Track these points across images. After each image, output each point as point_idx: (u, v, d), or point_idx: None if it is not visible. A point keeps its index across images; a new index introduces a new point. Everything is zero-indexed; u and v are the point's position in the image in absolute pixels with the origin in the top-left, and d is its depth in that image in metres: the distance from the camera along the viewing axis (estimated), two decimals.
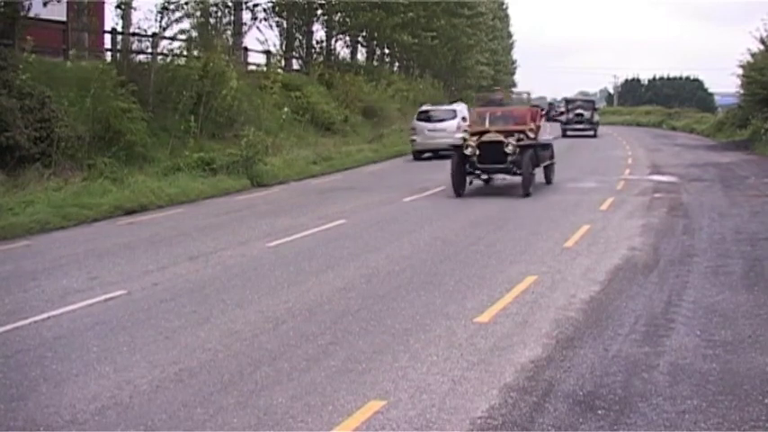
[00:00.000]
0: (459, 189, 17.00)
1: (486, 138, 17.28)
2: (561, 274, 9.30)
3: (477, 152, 16.93)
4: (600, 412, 5.29)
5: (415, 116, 29.37)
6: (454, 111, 28.90)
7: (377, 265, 9.92)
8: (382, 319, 7.48)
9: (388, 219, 13.95)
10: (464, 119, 27.07)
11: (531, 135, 17.73)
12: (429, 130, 27.85)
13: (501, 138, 17.11)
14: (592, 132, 41.65)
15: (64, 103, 16.63)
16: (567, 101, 47.44)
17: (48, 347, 6.79)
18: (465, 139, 17.63)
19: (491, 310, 7.75)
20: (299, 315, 7.70)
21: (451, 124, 27.46)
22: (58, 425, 5.21)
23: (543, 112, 19.81)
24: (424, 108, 29.91)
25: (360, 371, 6.09)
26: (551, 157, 19.34)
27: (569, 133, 40.90)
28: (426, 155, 27.55)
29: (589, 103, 46.46)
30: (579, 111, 43.07)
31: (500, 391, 5.64)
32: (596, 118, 43.60)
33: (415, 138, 28.13)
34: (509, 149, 16.83)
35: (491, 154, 16.98)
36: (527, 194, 16.57)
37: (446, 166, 17.80)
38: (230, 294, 8.53)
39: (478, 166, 17.11)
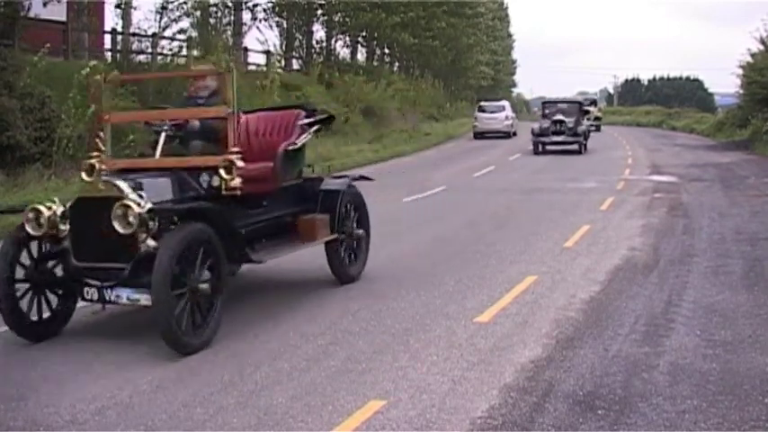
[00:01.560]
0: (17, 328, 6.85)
1: (87, 193, 6.91)
2: (561, 275, 9.30)
3: (66, 231, 6.92)
4: (600, 412, 5.28)
5: (476, 108, 42.21)
6: (503, 105, 41.91)
7: (377, 265, 9.90)
8: (382, 319, 7.48)
9: (387, 219, 13.92)
10: (509, 116, 40.75)
11: (234, 181, 7.12)
12: (486, 119, 39.87)
13: (116, 190, 6.66)
14: (576, 146, 30.16)
15: (69, 104, 16.60)
16: (544, 104, 34.27)
17: (48, 347, 6.78)
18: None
19: (491, 310, 7.75)
20: (299, 315, 7.70)
21: (501, 115, 39.99)
22: (58, 425, 5.21)
23: (306, 121, 8.67)
24: (482, 104, 42.76)
25: (360, 371, 6.09)
26: (348, 223, 9.00)
27: (549, 147, 30.20)
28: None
29: (573, 105, 32.90)
30: (559, 117, 30.40)
31: (500, 391, 5.64)
32: (583, 126, 30.97)
33: (476, 123, 40.06)
34: (129, 223, 6.49)
35: (92, 237, 6.72)
36: (188, 351, 6.47)
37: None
38: (230, 294, 8.51)
39: (74, 263, 6.81)
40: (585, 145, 31.02)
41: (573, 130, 30.06)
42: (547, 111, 31.99)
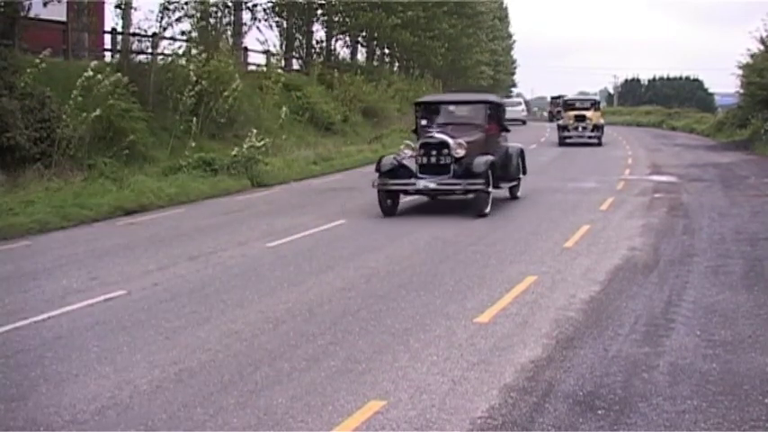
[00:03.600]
0: None
1: None
2: (561, 275, 9.31)
3: None
4: (600, 412, 5.29)
5: None
6: (520, 101, 63.51)
7: (377, 265, 9.92)
8: (382, 319, 7.48)
9: (388, 219, 13.93)
10: (524, 108, 58.56)
11: None
12: (508, 111, 57.78)
13: None
14: (482, 199, 13.95)
15: (71, 104, 16.59)
16: (417, 104, 17.08)
17: (48, 347, 6.79)
18: None
19: (491, 310, 7.75)
20: (299, 315, 7.70)
21: (519, 108, 56.81)
22: (58, 425, 5.21)
23: None
24: (504, 100, 58.20)
25: (360, 371, 6.09)
26: None
27: (422, 199, 15.71)
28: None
29: (478, 108, 15.86)
30: (439, 137, 14.26)
31: (500, 391, 5.64)
32: (490, 157, 14.40)
33: None
34: None
35: None
36: None
37: None
38: (230, 294, 8.53)
39: None
40: (513, 190, 16.22)
41: (468, 168, 14.03)
42: (424, 122, 15.69)
